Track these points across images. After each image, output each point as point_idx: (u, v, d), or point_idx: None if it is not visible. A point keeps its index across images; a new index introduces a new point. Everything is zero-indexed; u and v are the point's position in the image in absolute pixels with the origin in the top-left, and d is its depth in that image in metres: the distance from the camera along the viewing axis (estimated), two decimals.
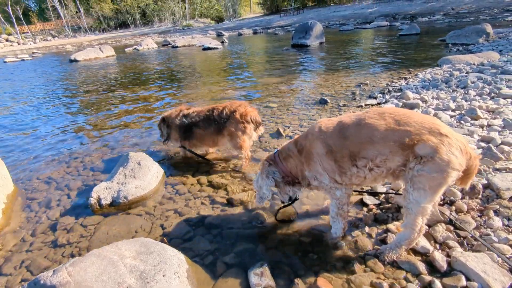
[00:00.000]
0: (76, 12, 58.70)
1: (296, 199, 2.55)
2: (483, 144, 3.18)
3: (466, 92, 4.98)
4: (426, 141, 1.74)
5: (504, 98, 4.40)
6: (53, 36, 52.50)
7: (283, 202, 2.55)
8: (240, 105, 3.46)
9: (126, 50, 22.14)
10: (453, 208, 2.42)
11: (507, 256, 1.92)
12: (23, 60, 21.60)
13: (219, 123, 3.47)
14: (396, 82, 6.49)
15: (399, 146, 1.82)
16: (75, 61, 17.06)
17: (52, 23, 60.71)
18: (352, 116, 2.03)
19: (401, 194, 2.32)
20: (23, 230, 2.86)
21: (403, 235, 2.03)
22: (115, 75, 11.65)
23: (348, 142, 1.97)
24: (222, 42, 20.64)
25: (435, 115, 4.19)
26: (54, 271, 1.75)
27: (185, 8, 55.54)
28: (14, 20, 51.20)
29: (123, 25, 60.36)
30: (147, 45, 22.62)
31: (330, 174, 2.10)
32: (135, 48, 22.25)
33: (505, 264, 1.86)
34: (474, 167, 1.85)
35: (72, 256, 2.47)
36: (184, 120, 3.70)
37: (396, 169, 1.91)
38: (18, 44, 40.86)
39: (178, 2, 54.86)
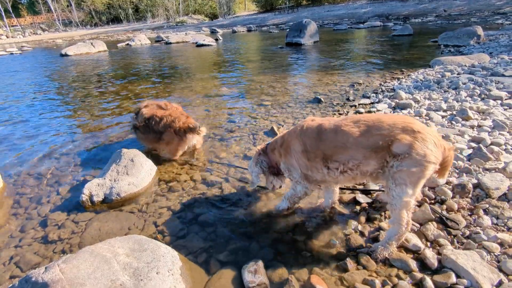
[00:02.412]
0: (67, 5, 57.64)
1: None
2: (473, 145, 3.24)
3: (457, 93, 5.06)
4: (400, 140, 1.84)
5: (494, 100, 4.48)
6: (43, 30, 51.43)
7: (265, 188, 2.82)
8: (173, 120, 3.69)
9: (119, 45, 21.84)
10: (444, 207, 2.46)
11: (495, 254, 1.97)
12: (12, 53, 21.09)
13: (156, 133, 3.78)
14: (389, 82, 6.56)
15: (372, 150, 1.94)
16: (66, 55, 16.75)
17: (42, 16, 59.56)
18: (331, 121, 2.16)
19: None
20: (12, 226, 2.81)
21: (392, 231, 2.07)
22: (107, 70, 11.49)
23: (323, 145, 2.12)
24: (216, 39, 20.52)
25: (427, 115, 4.25)
26: (46, 268, 1.73)
27: (179, 4, 55.04)
28: (3, 12, 50.04)
29: (116, 20, 59.52)
30: (140, 40, 22.31)
31: (303, 170, 2.29)
32: (127, 44, 21.94)
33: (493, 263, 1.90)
34: (449, 158, 1.93)
35: (63, 252, 2.44)
36: (134, 118, 4.04)
37: (373, 172, 2.03)
38: (7, 37, 39.84)
39: None
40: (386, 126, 1.90)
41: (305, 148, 2.21)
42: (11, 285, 1.78)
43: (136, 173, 3.27)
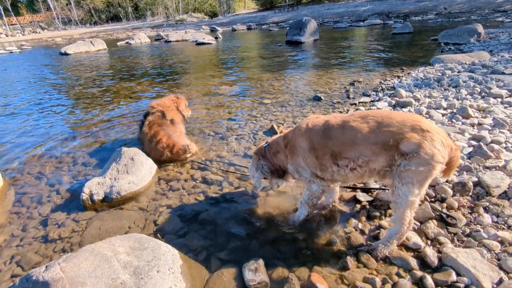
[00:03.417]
0: (67, 4, 57.47)
1: None
2: (474, 143, 3.24)
3: (457, 91, 5.05)
4: (409, 139, 1.82)
5: (494, 98, 4.48)
6: (43, 29, 51.37)
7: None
8: (160, 141, 3.71)
9: (118, 44, 21.80)
10: (444, 205, 2.46)
11: (496, 252, 1.97)
12: (11, 52, 21.08)
13: (143, 145, 3.93)
14: (389, 81, 6.54)
15: (382, 147, 1.90)
16: (66, 54, 16.72)
17: (42, 15, 59.41)
18: (338, 117, 2.11)
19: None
20: (13, 225, 2.81)
21: (393, 229, 2.07)
22: (107, 69, 11.48)
23: (331, 142, 2.07)
24: (216, 38, 20.48)
25: (427, 113, 4.24)
26: (46, 266, 1.73)
27: (179, 2, 54.87)
28: (2, 11, 49.93)
29: (115, 18, 59.31)
30: (140, 39, 22.28)
31: (311, 169, 2.22)
32: (127, 42, 21.90)
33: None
34: (455, 158, 1.92)
35: (64, 251, 2.44)
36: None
37: (380, 170, 2.00)
38: (6, 36, 39.79)
39: None
40: (395, 122, 1.87)
41: (312, 145, 2.14)
42: (11, 284, 1.78)
43: (137, 171, 3.27)
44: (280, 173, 2.51)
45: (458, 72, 6.29)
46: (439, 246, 2.10)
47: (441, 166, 1.85)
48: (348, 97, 5.64)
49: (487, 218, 2.25)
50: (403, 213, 1.96)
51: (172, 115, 4.11)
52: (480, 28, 10.50)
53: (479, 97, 4.62)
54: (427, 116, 4.18)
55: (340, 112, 4.90)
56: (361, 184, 2.94)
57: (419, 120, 1.88)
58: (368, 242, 2.24)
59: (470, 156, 3.01)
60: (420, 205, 2.45)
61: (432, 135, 1.81)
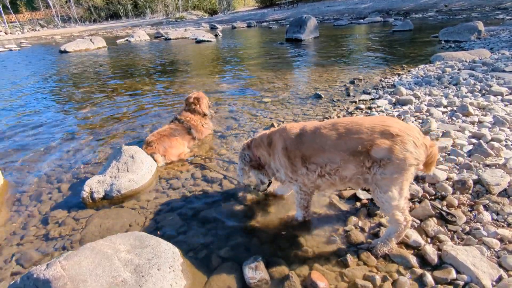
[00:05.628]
0: (66, 1, 57.24)
1: (269, 183, 2.84)
2: (474, 140, 3.24)
3: (458, 88, 5.05)
4: (380, 145, 1.82)
5: (495, 95, 4.47)
6: (42, 26, 51.12)
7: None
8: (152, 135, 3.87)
9: (118, 41, 21.74)
10: (444, 203, 2.46)
11: (495, 250, 1.98)
12: (11, 50, 21.02)
13: None
14: (390, 78, 6.54)
15: (351, 154, 1.93)
16: (65, 52, 16.69)
17: (41, 12, 59.13)
18: (314, 124, 2.18)
19: None
20: (14, 224, 2.81)
21: (391, 229, 2.09)
22: (106, 67, 11.46)
23: (302, 146, 2.14)
24: (216, 35, 20.42)
25: (428, 111, 4.24)
26: (47, 264, 1.73)
27: (178, 0, 54.68)
28: (1, 9, 49.74)
29: (114, 16, 59.09)
30: (139, 37, 22.22)
31: (284, 169, 2.32)
32: (126, 40, 21.85)
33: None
34: (433, 154, 1.94)
35: (64, 249, 2.45)
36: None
37: (352, 177, 2.03)
38: (6, 34, 39.63)
39: None
40: (364, 129, 1.88)
41: (285, 146, 2.23)
42: (12, 282, 1.79)
43: (137, 170, 3.27)
44: (256, 164, 2.62)
45: (459, 69, 6.28)
46: (439, 244, 2.10)
47: (416, 167, 1.87)
48: (348, 95, 5.63)
49: (487, 216, 2.25)
50: (393, 216, 1.98)
51: (195, 132, 4.20)
52: (480, 25, 10.48)
53: (480, 95, 4.62)
54: (427, 113, 4.18)
55: (341, 110, 4.90)
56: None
57: (388, 124, 1.86)
58: (368, 240, 2.24)
59: (470, 154, 3.01)
60: (420, 202, 2.46)
61: (402, 138, 1.80)
